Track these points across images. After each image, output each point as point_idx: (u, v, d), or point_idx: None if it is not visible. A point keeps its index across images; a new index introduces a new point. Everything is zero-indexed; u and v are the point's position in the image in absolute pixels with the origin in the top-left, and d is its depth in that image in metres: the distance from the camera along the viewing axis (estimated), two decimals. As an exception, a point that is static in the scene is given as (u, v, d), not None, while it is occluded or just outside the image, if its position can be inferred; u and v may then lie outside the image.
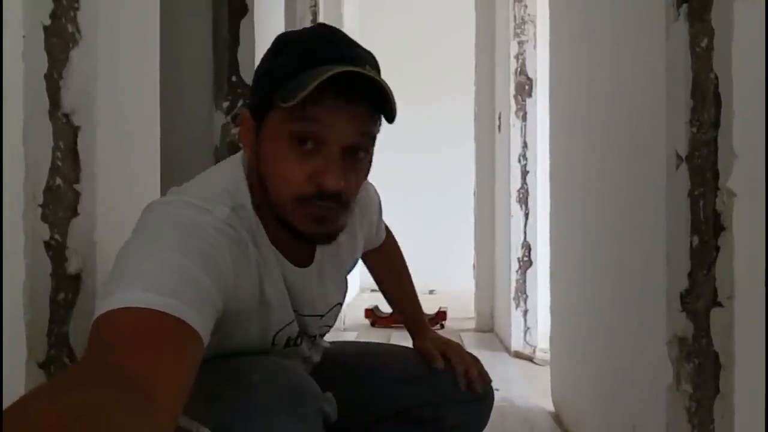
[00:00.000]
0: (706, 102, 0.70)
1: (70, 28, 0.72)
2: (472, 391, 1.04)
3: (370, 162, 0.75)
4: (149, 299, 0.52)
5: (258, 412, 0.65)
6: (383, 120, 0.72)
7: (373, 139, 0.72)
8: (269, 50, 0.74)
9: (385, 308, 3.28)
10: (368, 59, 0.71)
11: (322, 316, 0.91)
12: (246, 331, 0.77)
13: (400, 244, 1.22)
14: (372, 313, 3.32)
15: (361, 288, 4.50)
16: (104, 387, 0.43)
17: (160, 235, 0.61)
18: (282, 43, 0.73)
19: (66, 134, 0.72)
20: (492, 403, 1.09)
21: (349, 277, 0.98)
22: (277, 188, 0.70)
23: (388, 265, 1.20)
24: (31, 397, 0.41)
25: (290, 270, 0.80)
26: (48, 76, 0.69)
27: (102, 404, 0.41)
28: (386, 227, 1.17)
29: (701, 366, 0.71)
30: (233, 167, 0.77)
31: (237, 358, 0.76)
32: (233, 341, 0.76)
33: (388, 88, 0.67)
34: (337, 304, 0.95)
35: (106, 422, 0.39)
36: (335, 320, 0.98)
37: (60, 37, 0.71)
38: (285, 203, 0.70)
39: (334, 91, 0.65)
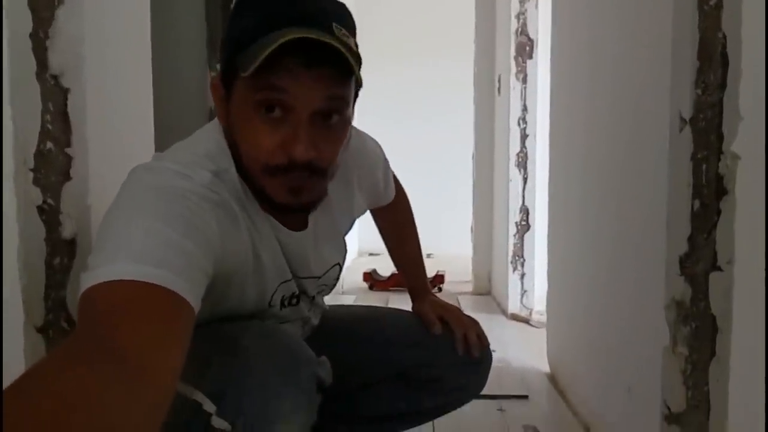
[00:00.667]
0: (713, 62, 0.68)
1: (54, -15, 0.69)
2: (469, 355, 1.05)
3: (345, 124, 0.71)
4: (138, 271, 0.51)
5: (250, 376, 0.65)
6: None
7: (346, 100, 0.68)
8: (232, 10, 0.69)
9: (384, 272, 3.30)
10: (335, 13, 0.66)
11: (319, 277, 0.91)
12: (241, 293, 0.76)
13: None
14: (370, 277, 3.34)
15: (359, 252, 4.52)
16: (101, 364, 0.42)
17: (142, 204, 0.59)
18: (242, 1, 0.68)
19: (55, 96, 0.70)
20: (489, 366, 1.10)
21: (348, 238, 0.97)
22: (249, 158, 0.68)
23: (395, 224, 1.19)
24: (30, 378, 0.41)
25: (285, 234, 0.79)
26: (33, 36, 0.67)
27: (100, 383, 0.40)
28: (398, 186, 1.15)
29: (698, 329, 0.72)
30: (217, 130, 0.74)
31: (231, 322, 0.75)
32: (228, 304, 0.76)
33: (350, 49, 0.64)
34: (336, 264, 0.94)
35: (106, 401, 0.40)
36: (336, 281, 0.97)
37: (44, -7, 0.68)
38: (257, 173, 0.68)
39: (294, 57, 0.62)
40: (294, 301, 0.89)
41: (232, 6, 0.71)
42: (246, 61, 0.63)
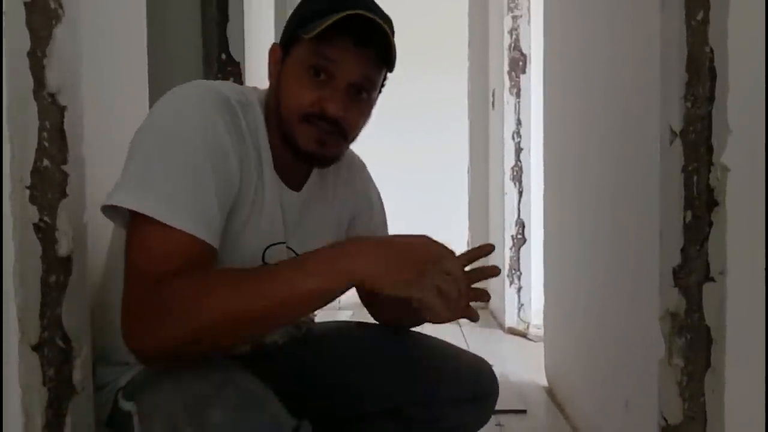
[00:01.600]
0: (701, 76, 0.69)
1: (52, 5, 0.70)
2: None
3: (371, 106, 0.86)
4: (193, 228, 0.70)
5: None
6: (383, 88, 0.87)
7: (375, 84, 0.85)
8: None
9: None
10: (385, 18, 0.83)
11: (296, 253, 0.88)
12: (236, 239, 0.80)
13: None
14: None
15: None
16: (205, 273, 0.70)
17: (187, 140, 0.73)
18: None
19: (52, 114, 0.71)
20: (495, 400, 1.00)
21: None
22: (288, 104, 0.82)
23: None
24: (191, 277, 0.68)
25: (286, 191, 0.87)
26: (31, 54, 0.68)
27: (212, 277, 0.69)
28: None
29: (693, 340, 0.72)
30: (251, 88, 0.89)
31: (211, 369, 0.71)
32: (225, 250, 0.77)
33: (392, 38, 0.81)
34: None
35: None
36: None
37: (42, 13, 0.69)
38: (291, 118, 0.81)
39: (347, 35, 0.78)
40: None
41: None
42: (310, 27, 0.78)
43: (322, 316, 1.07)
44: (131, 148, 0.74)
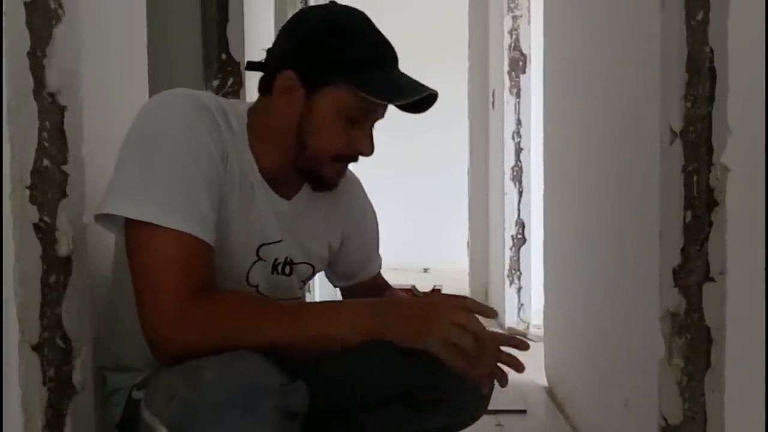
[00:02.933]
0: (701, 76, 0.69)
1: (52, 5, 0.70)
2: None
3: None
4: (195, 228, 0.73)
5: (210, 410, 0.65)
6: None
7: None
8: (330, 27, 0.83)
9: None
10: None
11: (293, 259, 0.92)
12: (227, 231, 0.81)
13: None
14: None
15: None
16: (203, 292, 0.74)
17: (170, 141, 0.75)
18: (337, 25, 0.83)
19: (52, 114, 0.71)
20: (492, 388, 1.00)
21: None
22: (320, 146, 0.84)
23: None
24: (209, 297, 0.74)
25: (276, 198, 0.88)
26: (31, 54, 0.68)
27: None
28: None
29: (693, 340, 0.72)
30: (231, 101, 0.91)
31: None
32: (217, 241, 0.78)
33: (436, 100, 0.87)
34: (307, 263, 0.95)
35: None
36: (303, 283, 0.97)
37: (42, 13, 0.69)
38: (323, 158, 0.84)
39: (404, 105, 0.83)
40: (287, 270, 0.90)
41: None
42: (366, 85, 0.80)
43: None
44: (118, 156, 0.77)
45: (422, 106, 0.86)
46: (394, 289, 1.16)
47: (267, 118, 0.86)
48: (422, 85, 0.83)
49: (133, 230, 0.74)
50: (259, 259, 0.86)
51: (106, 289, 0.90)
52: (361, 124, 0.84)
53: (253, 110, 0.88)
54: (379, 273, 1.13)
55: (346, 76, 0.81)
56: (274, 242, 0.88)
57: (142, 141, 0.76)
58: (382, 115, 0.87)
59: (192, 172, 0.75)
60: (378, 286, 1.12)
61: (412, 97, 0.81)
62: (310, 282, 1.00)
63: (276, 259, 0.89)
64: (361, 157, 0.88)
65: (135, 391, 0.84)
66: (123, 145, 0.77)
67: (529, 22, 2.70)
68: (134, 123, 0.78)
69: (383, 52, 0.84)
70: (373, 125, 0.86)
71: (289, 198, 0.91)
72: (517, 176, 2.76)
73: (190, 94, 0.81)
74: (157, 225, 0.72)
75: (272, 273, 0.89)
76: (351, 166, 0.93)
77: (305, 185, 0.92)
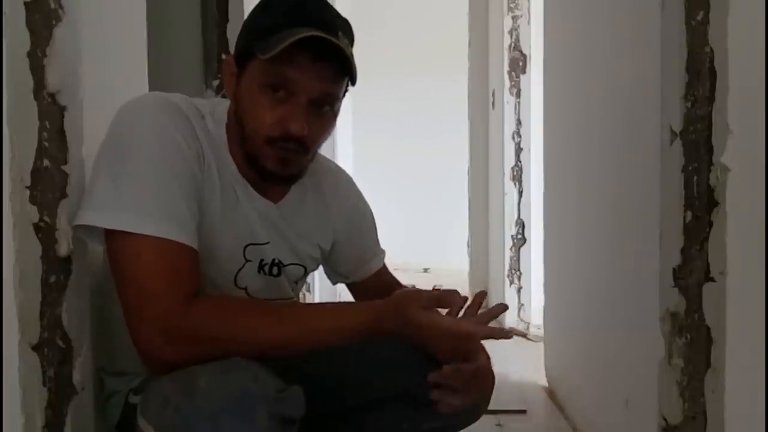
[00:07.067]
0: (701, 76, 0.69)
1: (52, 5, 0.70)
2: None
3: (334, 117, 0.85)
4: (172, 233, 0.72)
5: (204, 419, 0.65)
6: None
7: (337, 96, 0.83)
8: (257, 6, 0.83)
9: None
10: (342, 26, 0.81)
11: (282, 261, 0.91)
12: (211, 232, 0.81)
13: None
14: None
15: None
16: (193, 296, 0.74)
17: (143, 147, 0.74)
18: (264, 2, 0.82)
19: (52, 114, 0.71)
20: (492, 387, 0.99)
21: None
22: (252, 127, 0.80)
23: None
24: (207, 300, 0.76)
25: (261, 200, 0.86)
26: (31, 54, 0.68)
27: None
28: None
29: (693, 341, 0.72)
30: (208, 101, 0.88)
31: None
32: (201, 243, 0.78)
33: (350, 54, 0.79)
34: (299, 264, 0.94)
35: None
36: (295, 284, 0.96)
37: (42, 13, 0.69)
38: (258, 142, 0.80)
39: (305, 52, 0.76)
40: (275, 271, 0.89)
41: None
42: (266, 47, 0.76)
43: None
44: (93, 165, 0.76)
45: (342, 72, 0.80)
46: (404, 286, 1.14)
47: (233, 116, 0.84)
48: (324, 38, 0.75)
49: (112, 241, 0.73)
50: (247, 260, 0.86)
51: (99, 293, 0.90)
52: (291, 100, 0.78)
53: (230, 109, 0.86)
54: (385, 268, 1.10)
55: (255, 46, 0.78)
56: (261, 244, 0.87)
57: (115, 148, 0.75)
58: (315, 92, 0.78)
59: (166, 175, 0.74)
60: (386, 284, 1.08)
61: (289, 40, 0.74)
62: (310, 282, 0.99)
63: (262, 260, 0.88)
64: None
65: (132, 396, 0.83)
66: (97, 154, 0.76)
67: (529, 22, 2.69)
68: (108, 131, 0.77)
69: (294, 15, 0.77)
70: (308, 103, 0.79)
71: (275, 201, 0.89)
72: (517, 176, 2.75)
73: (160, 96, 0.80)
74: (137, 233, 0.71)
75: (259, 272, 0.88)
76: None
77: (293, 188, 0.91)
